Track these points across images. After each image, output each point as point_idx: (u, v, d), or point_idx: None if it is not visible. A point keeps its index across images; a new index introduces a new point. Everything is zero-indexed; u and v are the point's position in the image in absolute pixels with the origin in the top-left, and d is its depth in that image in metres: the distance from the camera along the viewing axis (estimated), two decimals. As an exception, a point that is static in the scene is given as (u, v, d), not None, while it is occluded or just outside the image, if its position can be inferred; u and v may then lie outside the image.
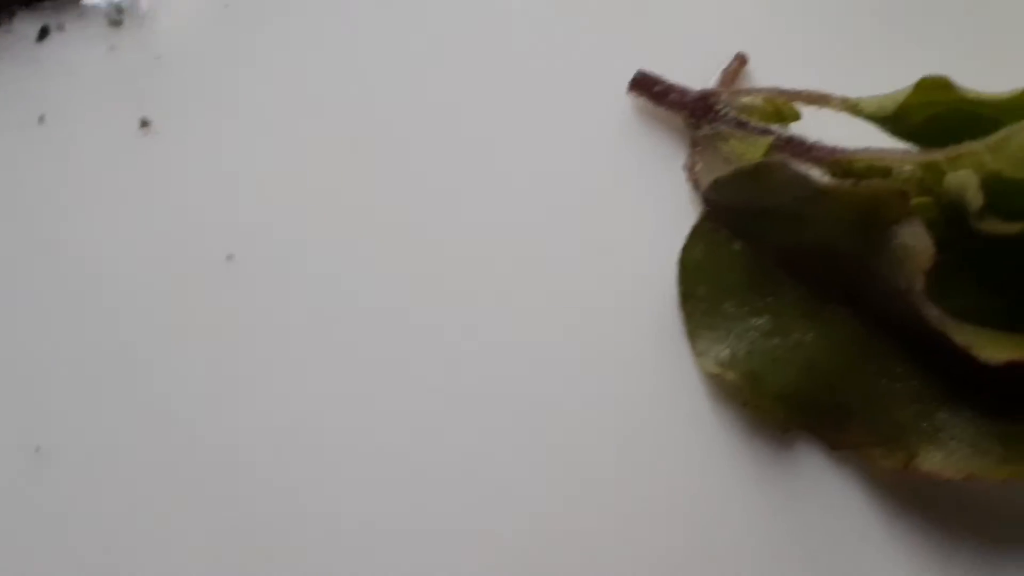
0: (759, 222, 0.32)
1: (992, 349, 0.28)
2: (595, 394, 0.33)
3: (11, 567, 0.32)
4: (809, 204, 0.30)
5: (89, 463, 0.33)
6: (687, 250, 0.33)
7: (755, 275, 0.32)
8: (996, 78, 0.30)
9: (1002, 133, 0.29)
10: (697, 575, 0.31)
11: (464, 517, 0.32)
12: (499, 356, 0.33)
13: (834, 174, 0.32)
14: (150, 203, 0.35)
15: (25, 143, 0.36)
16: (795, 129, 0.33)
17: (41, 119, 0.36)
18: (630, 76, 0.35)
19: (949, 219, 0.30)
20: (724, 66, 0.35)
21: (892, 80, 0.32)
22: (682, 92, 0.35)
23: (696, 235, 0.33)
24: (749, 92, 0.34)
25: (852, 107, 0.32)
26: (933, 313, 0.29)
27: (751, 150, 0.33)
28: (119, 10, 0.36)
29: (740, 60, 0.35)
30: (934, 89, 0.31)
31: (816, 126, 0.33)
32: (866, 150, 0.32)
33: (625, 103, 0.35)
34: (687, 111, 0.34)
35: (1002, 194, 0.29)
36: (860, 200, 0.30)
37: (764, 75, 0.35)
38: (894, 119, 0.31)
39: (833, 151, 0.32)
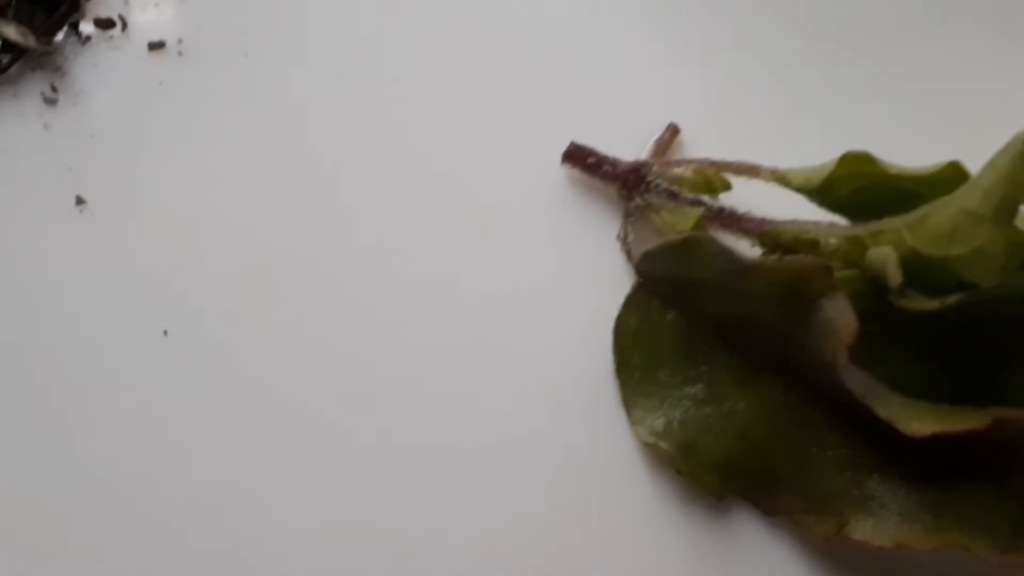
0: (690, 293, 0.32)
1: (917, 422, 0.28)
2: (531, 463, 0.33)
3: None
4: (736, 278, 0.30)
5: (13, 535, 0.33)
6: (621, 319, 0.33)
7: (689, 344, 0.32)
8: (931, 150, 0.30)
9: (921, 211, 0.29)
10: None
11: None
12: (431, 429, 0.34)
13: (763, 245, 0.33)
14: (86, 280, 0.35)
15: (-41, 221, 0.36)
16: (727, 199, 0.33)
17: (-24, 197, 0.36)
18: (564, 147, 0.35)
19: (875, 290, 0.30)
20: (657, 136, 0.35)
21: (825, 152, 0.31)
22: (614, 164, 0.34)
23: (630, 304, 0.33)
24: (680, 163, 0.34)
25: (781, 178, 0.32)
26: (857, 387, 0.29)
27: (682, 221, 0.33)
28: (54, 88, 0.36)
29: (672, 131, 0.35)
30: (857, 163, 0.31)
31: (748, 196, 0.33)
32: (794, 222, 0.32)
33: (560, 173, 0.35)
34: (619, 182, 0.34)
35: (921, 271, 0.29)
36: (785, 275, 0.29)
37: (697, 146, 0.35)
38: (821, 191, 0.32)
39: (762, 223, 0.32)
